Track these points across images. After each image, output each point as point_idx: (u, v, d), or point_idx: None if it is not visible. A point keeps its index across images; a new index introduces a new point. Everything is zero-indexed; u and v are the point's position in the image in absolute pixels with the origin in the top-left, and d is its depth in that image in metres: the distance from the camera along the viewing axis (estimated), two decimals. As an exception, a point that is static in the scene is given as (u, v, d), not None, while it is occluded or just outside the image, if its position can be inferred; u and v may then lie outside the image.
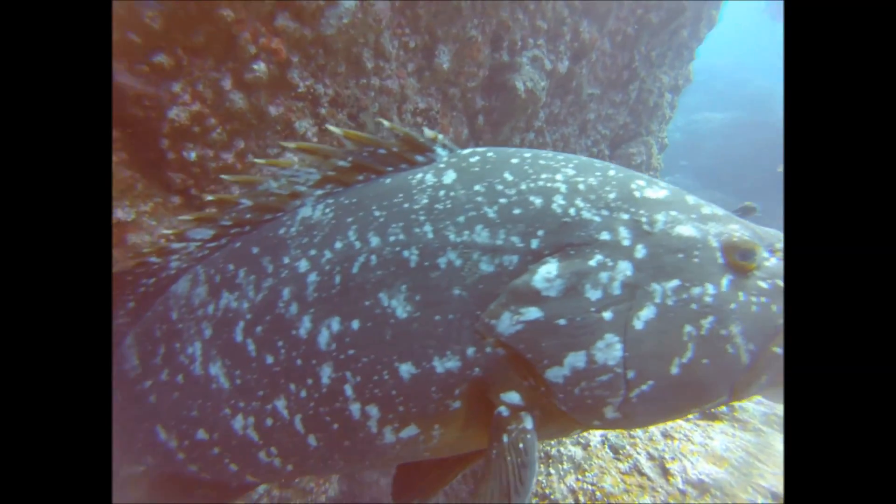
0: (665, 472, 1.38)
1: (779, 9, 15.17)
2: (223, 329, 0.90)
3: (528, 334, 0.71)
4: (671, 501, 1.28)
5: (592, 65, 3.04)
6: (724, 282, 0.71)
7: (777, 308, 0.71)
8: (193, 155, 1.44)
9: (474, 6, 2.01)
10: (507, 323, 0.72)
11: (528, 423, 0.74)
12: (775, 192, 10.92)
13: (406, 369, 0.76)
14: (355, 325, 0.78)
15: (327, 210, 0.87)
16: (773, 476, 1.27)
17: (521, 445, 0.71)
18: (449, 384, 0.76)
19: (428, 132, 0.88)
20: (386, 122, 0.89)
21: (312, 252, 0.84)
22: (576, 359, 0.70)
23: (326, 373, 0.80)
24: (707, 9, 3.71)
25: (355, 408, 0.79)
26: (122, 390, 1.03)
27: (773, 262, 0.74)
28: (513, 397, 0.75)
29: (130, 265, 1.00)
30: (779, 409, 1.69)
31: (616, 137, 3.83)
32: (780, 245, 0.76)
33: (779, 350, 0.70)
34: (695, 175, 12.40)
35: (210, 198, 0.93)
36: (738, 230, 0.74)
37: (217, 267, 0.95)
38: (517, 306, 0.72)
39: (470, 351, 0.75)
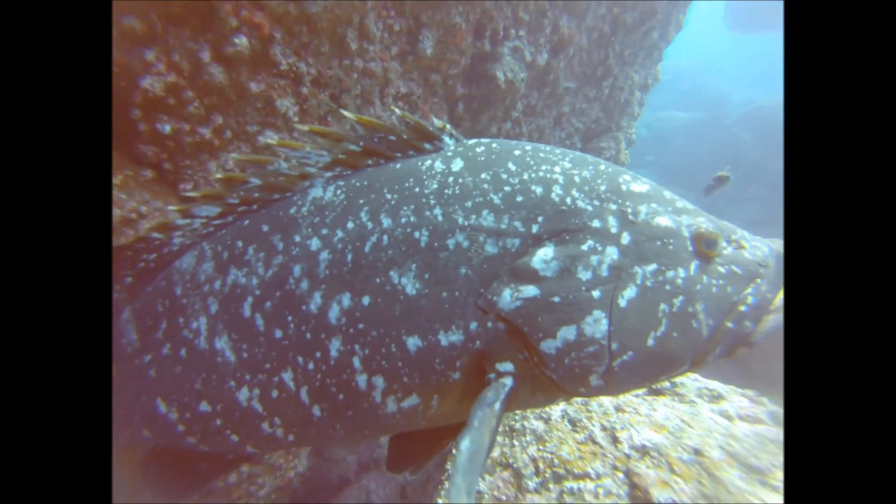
0: (615, 440, 1.53)
1: (736, 19, 15.90)
2: (231, 304, 0.92)
3: (526, 310, 0.77)
4: (617, 464, 1.44)
5: (570, 59, 3.12)
6: (693, 266, 0.80)
7: (731, 289, 0.80)
8: (168, 128, 1.39)
9: (459, -7, 2.02)
10: (507, 299, 0.78)
11: (509, 381, 0.79)
12: (738, 187, 11.65)
13: (413, 342, 0.81)
14: (366, 300, 0.82)
15: (338, 192, 0.90)
16: (697, 436, 1.47)
17: (490, 394, 0.77)
18: (452, 356, 0.81)
19: (437, 122, 0.92)
20: (398, 111, 0.92)
21: (324, 231, 0.88)
22: (567, 332, 0.76)
23: (335, 346, 0.84)
24: (675, 13, 3.88)
25: (362, 379, 0.83)
26: (119, 365, 1.02)
27: (730, 251, 0.83)
28: (507, 367, 0.80)
29: (131, 240, 0.99)
30: (710, 383, 1.91)
31: (588, 131, 3.97)
32: (736, 236, 0.86)
33: (731, 325, 0.79)
34: (659, 171, 12.99)
35: (219, 175, 0.94)
36: (705, 222, 0.83)
37: (224, 244, 0.96)
38: (517, 284, 0.78)
39: (473, 325, 0.80)
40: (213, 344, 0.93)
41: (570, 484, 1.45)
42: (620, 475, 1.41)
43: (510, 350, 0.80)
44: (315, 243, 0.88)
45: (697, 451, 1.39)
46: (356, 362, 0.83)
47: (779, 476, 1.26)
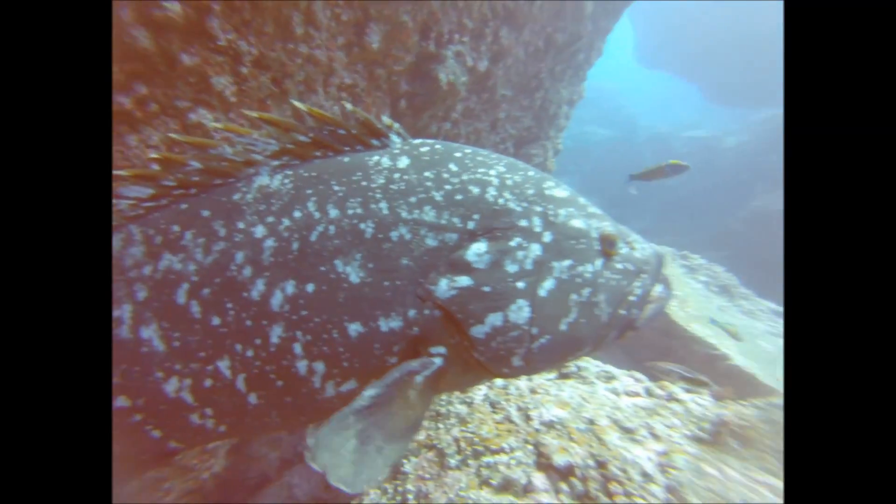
0: (527, 418, 1.75)
1: (643, 55, 18.04)
2: (163, 291, 0.89)
3: (460, 298, 0.84)
4: (528, 438, 1.65)
5: (507, 69, 3.33)
6: (598, 262, 0.91)
7: (625, 282, 0.93)
8: (79, 92, 1.26)
9: (408, -8, 2.07)
10: (444, 288, 0.85)
11: (438, 360, 0.86)
12: (641, 200, 13.27)
13: (355, 328, 0.84)
14: (310, 287, 0.85)
15: (286, 181, 0.91)
16: (592, 410, 1.75)
17: (415, 364, 0.83)
18: (390, 341, 0.85)
19: (385, 119, 0.96)
20: (349, 106, 0.94)
21: (270, 219, 0.88)
22: (495, 318, 0.84)
23: (277, 332, 0.85)
24: (597, 41, 4.34)
25: (302, 364, 0.85)
26: None
27: (626, 251, 0.96)
28: (440, 350, 0.87)
29: None
30: (606, 367, 2.26)
31: (521, 138, 4.26)
32: (630, 239, 0.99)
33: (624, 312, 0.92)
34: (580, 178, 14.27)
35: (154, 155, 0.88)
36: (609, 226, 0.95)
37: (157, 227, 0.92)
38: (453, 275, 0.85)
39: (412, 312, 0.85)
40: (138, 333, 0.89)
41: (488, 458, 1.63)
42: (530, 447, 1.62)
43: (444, 335, 0.87)
44: (260, 230, 0.88)
45: (591, 421, 1.65)
46: (297, 348, 0.85)
47: (643, 432, 1.58)
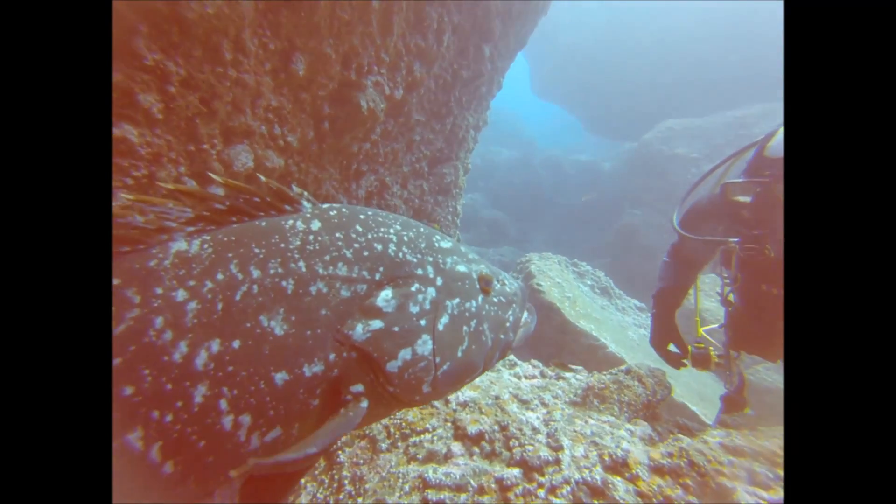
0: (446, 402, 2.05)
1: (537, 86, 20.60)
2: None
3: (374, 339, 0.95)
4: (447, 417, 1.94)
5: (420, 97, 3.70)
6: (479, 298, 1.08)
7: (500, 312, 1.11)
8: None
9: (331, 27, 2.28)
10: (359, 332, 0.95)
11: (364, 404, 0.96)
12: (540, 214, 14.90)
13: (280, 377, 0.89)
14: (236, 343, 0.88)
15: (205, 245, 0.95)
16: (497, 389, 2.14)
17: (350, 414, 0.92)
18: (313, 385, 0.92)
19: (296, 188, 1.08)
20: (262, 177, 1.05)
21: (191, 283, 0.90)
22: (405, 353, 0.96)
23: (200, 391, 0.85)
24: (497, 77, 5.01)
25: (227, 420, 0.86)
26: None
27: (499, 287, 1.15)
28: (358, 388, 0.96)
29: None
30: (510, 357, 2.69)
31: (433, 158, 4.66)
32: (501, 277, 1.17)
33: (503, 336, 1.09)
34: (488, 194, 15.45)
35: None
36: (485, 269, 1.14)
37: None
38: (366, 320, 0.96)
39: (332, 356, 0.93)
40: None
41: (414, 438, 1.88)
42: (449, 424, 1.91)
43: (360, 374, 0.97)
44: (181, 294, 0.89)
45: (497, 398, 2.01)
46: (223, 404, 0.86)
47: (535, 402, 2.00)
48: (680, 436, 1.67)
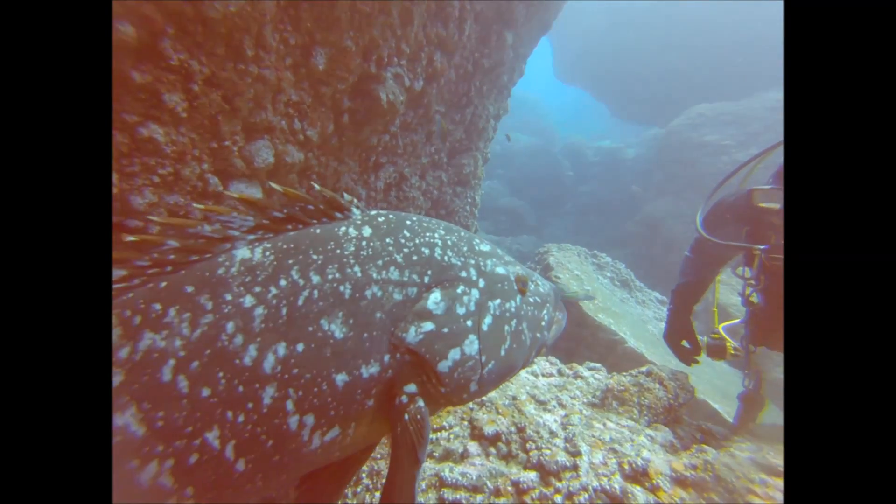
0: (464, 400, 2.06)
1: (560, 70, 19.95)
2: (143, 371, 0.87)
3: (426, 341, 0.99)
4: (464, 416, 1.95)
5: (440, 88, 3.62)
6: (518, 299, 1.13)
7: (536, 312, 1.15)
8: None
9: (352, 20, 2.24)
10: (412, 334, 0.99)
11: (422, 403, 1.00)
12: (559, 203, 14.63)
13: (341, 378, 0.94)
14: (300, 347, 0.92)
15: (267, 253, 0.99)
16: (514, 388, 2.15)
17: (419, 416, 0.97)
18: (370, 386, 0.96)
19: (346, 196, 1.12)
20: (317, 186, 1.09)
21: (257, 289, 0.94)
22: (455, 353, 1.00)
23: (269, 393, 0.89)
24: (518, 64, 4.86)
25: (293, 420, 0.91)
26: None
27: (533, 287, 1.19)
28: (411, 388, 1.00)
29: None
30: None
31: (453, 149, 4.60)
32: (534, 278, 1.21)
33: (539, 335, 1.14)
34: (507, 182, 15.22)
35: (131, 238, 0.91)
36: (521, 270, 1.18)
37: (135, 308, 0.91)
38: (418, 322, 1.00)
39: (387, 358, 0.98)
40: (112, 422, 0.85)
41: (431, 436, 1.90)
42: (465, 423, 1.92)
43: (413, 374, 1.00)
44: (249, 300, 0.93)
45: (514, 398, 2.00)
46: (289, 405, 0.90)
47: (553, 403, 1.98)
48: (704, 446, 1.63)
